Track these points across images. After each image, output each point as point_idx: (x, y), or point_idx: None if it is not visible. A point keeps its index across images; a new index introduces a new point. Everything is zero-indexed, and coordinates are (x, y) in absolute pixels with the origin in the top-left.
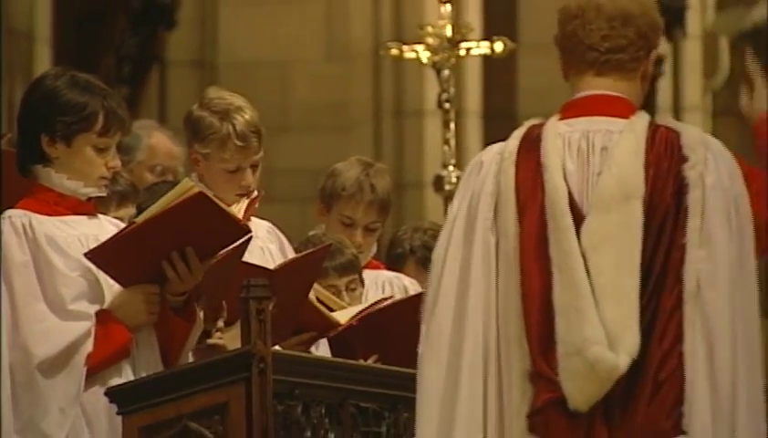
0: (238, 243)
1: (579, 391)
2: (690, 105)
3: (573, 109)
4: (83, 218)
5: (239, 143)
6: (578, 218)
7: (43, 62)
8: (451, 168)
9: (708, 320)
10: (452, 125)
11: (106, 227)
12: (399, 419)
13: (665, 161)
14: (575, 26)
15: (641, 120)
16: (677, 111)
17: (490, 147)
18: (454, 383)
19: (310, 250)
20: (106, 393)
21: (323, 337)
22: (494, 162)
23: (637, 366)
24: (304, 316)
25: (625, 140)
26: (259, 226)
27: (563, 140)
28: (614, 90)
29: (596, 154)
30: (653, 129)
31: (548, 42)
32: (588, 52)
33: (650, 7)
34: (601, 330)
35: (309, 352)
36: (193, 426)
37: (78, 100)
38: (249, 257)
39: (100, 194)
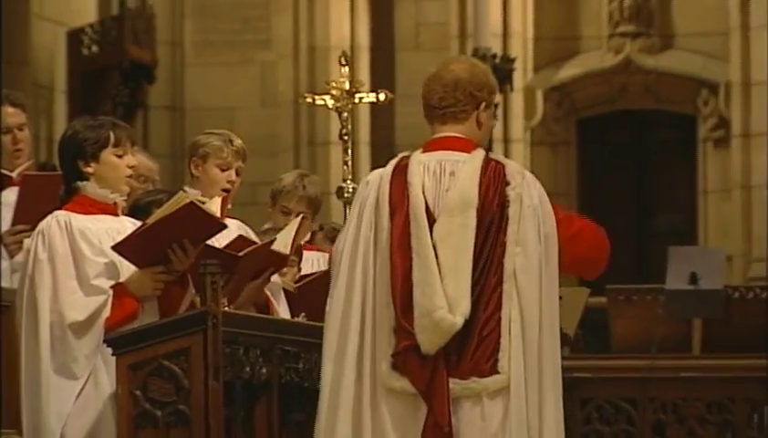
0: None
1: (428, 341)
2: (515, 138)
3: (431, 146)
4: (109, 217)
5: (234, 148)
6: (431, 220)
7: (60, 107)
8: (348, 182)
9: (521, 294)
10: (350, 152)
11: (125, 223)
12: (311, 358)
13: (493, 184)
14: (425, 92)
15: (479, 155)
16: (506, 142)
17: (375, 171)
18: (345, 334)
19: (264, 242)
20: (104, 340)
21: (275, 273)
22: (376, 182)
23: (468, 325)
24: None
25: (466, 168)
26: (231, 223)
27: (423, 166)
28: (456, 133)
29: (446, 176)
30: (487, 161)
31: (417, 93)
32: (433, 109)
33: (478, 73)
34: (444, 299)
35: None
36: (166, 364)
37: (93, 128)
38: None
39: (122, 200)
